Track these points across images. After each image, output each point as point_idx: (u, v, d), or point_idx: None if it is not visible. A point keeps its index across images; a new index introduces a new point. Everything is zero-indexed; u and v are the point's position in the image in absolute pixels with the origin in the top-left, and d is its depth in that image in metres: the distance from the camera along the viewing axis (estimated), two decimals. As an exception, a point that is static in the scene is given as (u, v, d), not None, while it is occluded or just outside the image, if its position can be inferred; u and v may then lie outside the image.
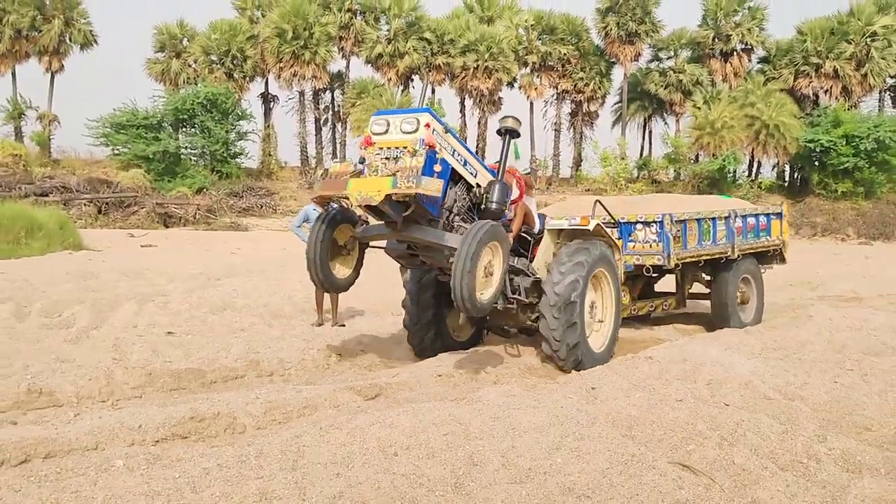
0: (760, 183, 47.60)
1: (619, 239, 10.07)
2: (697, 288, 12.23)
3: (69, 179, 39.91)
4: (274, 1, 48.34)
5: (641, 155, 53.59)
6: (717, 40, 48.86)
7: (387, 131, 7.33)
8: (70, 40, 47.62)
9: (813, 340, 9.26)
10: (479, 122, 51.37)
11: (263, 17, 48.35)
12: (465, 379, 7.81)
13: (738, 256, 11.19)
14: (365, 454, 4.77)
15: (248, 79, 49.01)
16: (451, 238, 7.40)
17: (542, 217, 9.24)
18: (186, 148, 45.18)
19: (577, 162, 53.46)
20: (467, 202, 7.84)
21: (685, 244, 10.31)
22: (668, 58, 51.51)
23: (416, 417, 5.37)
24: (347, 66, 50.64)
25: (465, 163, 7.71)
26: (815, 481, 4.66)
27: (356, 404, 6.59)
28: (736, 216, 11.20)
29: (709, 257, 10.90)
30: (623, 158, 48.91)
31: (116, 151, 43.81)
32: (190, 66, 49.14)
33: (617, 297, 8.90)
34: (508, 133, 8.07)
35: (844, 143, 43.65)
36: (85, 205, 36.19)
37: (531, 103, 52.21)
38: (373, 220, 7.97)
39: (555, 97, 53.08)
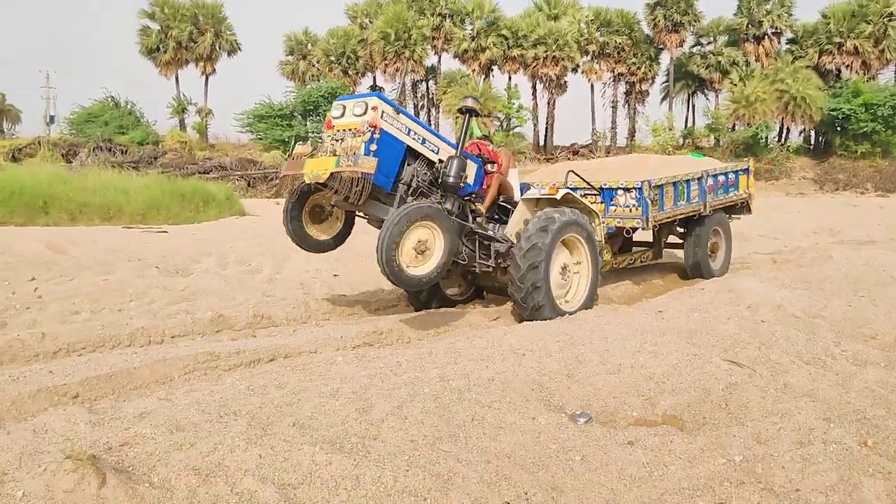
0: (789, 147, 46.39)
1: (601, 203, 9.49)
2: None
3: (224, 160, 41.71)
4: (379, 10, 48.96)
5: (686, 126, 52.64)
6: (750, 26, 47.45)
7: (343, 115, 6.79)
8: (219, 48, 49.21)
9: (832, 275, 9.45)
10: (548, 103, 51.34)
11: (371, 23, 49.04)
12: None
13: (710, 212, 10.37)
14: (501, 354, 5.53)
15: (359, 74, 50.03)
16: (386, 211, 6.80)
17: (526, 186, 8.54)
18: (313, 133, 46.52)
19: (632, 133, 53.02)
20: (429, 177, 7.13)
21: (662, 206, 9.49)
22: (709, 43, 50.37)
23: (535, 329, 6.15)
24: (439, 61, 51.10)
25: (424, 140, 7.04)
26: (831, 371, 5.17)
27: (485, 323, 7.41)
28: (708, 176, 10.34)
29: (683, 216, 10.07)
30: (671, 129, 48.22)
31: (259, 137, 45.47)
32: (313, 65, 50.37)
33: (593, 257, 7.93)
34: (469, 112, 7.28)
35: (864, 110, 42.25)
36: (237, 180, 37.88)
37: (591, 85, 51.90)
38: None
39: (612, 80, 52.46)
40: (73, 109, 47.67)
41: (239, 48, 50.10)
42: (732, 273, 10.76)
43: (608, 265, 9.42)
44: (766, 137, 45.91)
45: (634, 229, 9.49)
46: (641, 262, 10.65)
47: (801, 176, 44.09)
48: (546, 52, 47.10)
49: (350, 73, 49.15)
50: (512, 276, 7.23)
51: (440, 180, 7.08)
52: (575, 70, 50.30)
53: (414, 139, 6.93)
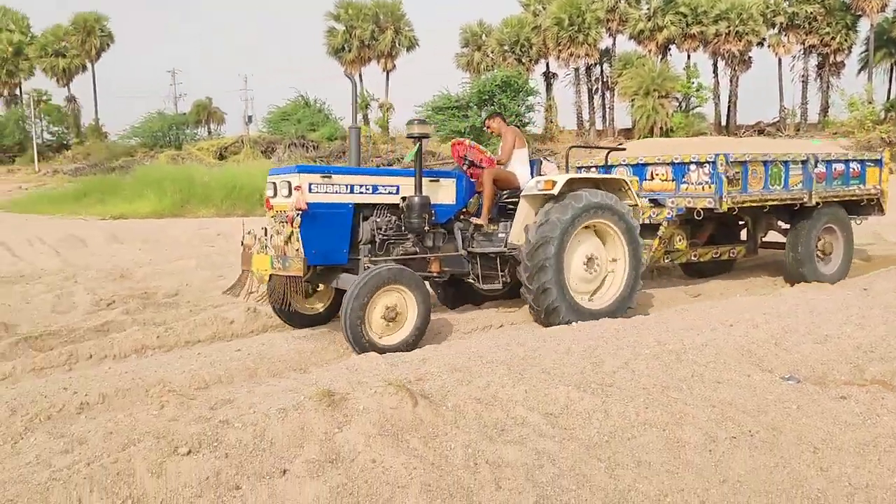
0: None
1: (672, 181, 8.60)
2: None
3: (405, 152, 44.19)
4: (552, -4, 49.35)
5: (888, 98, 48.47)
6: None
7: (275, 194, 6.27)
8: (399, 45, 51.84)
9: None
10: (730, 81, 49.42)
11: (544, 10, 49.44)
12: (762, 283, 8.77)
13: (818, 204, 8.99)
14: (710, 325, 6.07)
15: (532, 62, 50.70)
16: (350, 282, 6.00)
17: (538, 163, 7.60)
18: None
19: (825, 109, 49.62)
20: (396, 223, 6.52)
21: (745, 187, 8.38)
22: (917, 4, 46.00)
23: (740, 304, 6.64)
24: (613, 43, 50.64)
25: (375, 188, 6.41)
26: None
27: (686, 299, 7.94)
28: (817, 161, 8.98)
29: (778, 203, 8.75)
30: (870, 103, 44.63)
31: (437, 128, 47.45)
32: (488, 55, 51.69)
33: (632, 246, 7.05)
34: (419, 138, 6.44)
35: None
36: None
37: (779, 60, 49.21)
38: None
39: (801, 52, 49.42)
40: (270, 109, 52.24)
41: (417, 43, 52.47)
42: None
43: (683, 256, 8.73)
44: None
45: (709, 211, 8.32)
46: (731, 256, 9.36)
47: None
48: (728, 27, 45.32)
49: (524, 60, 49.98)
50: (521, 277, 6.68)
51: (403, 226, 6.52)
52: (760, 44, 47.96)
53: (362, 192, 6.35)
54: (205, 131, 56.81)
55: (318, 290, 6.99)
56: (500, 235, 6.99)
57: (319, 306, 7.02)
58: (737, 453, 3.61)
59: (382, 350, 5.58)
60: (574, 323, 6.43)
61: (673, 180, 8.58)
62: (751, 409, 4.15)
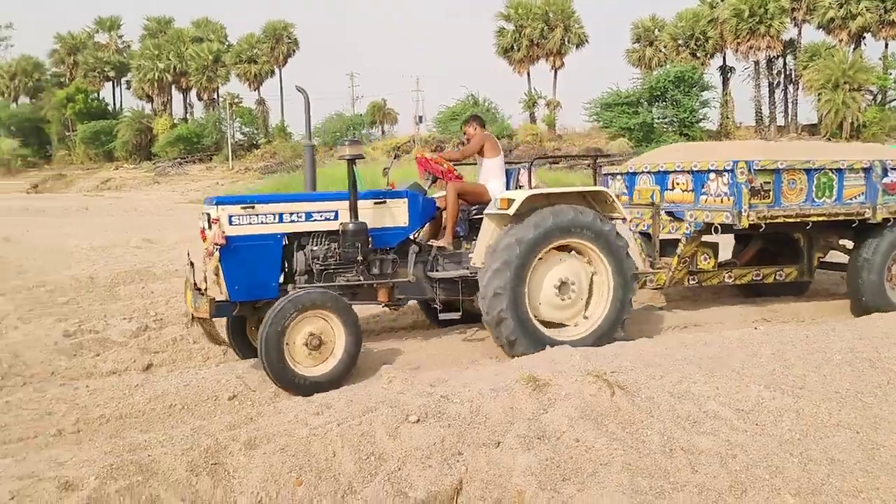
0: None
1: (691, 191, 7.55)
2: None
3: (571, 150, 44.21)
4: (732, -14, 47.26)
5: None
6: None
7: (209, 225, 5.81)
8: (568, 42, 51.70)
9: None
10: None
11: (722, 2, 47.48)
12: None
13: (887, 221, 7.53)
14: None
15: (708, 56, 48.90)
16: None
17: (514, 173, 6.90)
18: (658, 118, 46.68)
19: None
20: (335, 249, 6.05)
21: (778, 199, 7.18)
22: None
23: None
24: (799, 34, 47.77)
25: (309, 215, 6.01)
26: None
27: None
28: (886, 170, 7.50)
29: (826, 219, 7.41)
30: None
31: (605, 125, 47.05)
32: (660, 50, 50.45)
33: (616, 267, 6.24)
34: (351, 160, 5.98)
35: None
36: (585, 167, 39.80)
37: None
38: None
39: None
40: (440, 109, 54.01)
41: (586, 40, 52.06)
42: None
43: (715, 277, 7.82)
44: None
45: (730, 227, 7.27)
46: (776, 279, 8.12)
47: None
48: (935, 12, 41.37)
49: (699, 54, 48.27)
50: (479, 305, 6.11)
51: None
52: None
53: (294, 221, 5.98)
54: (379, 131, 59.72)
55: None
56: (470, 256, 6.41)
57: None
58: (936, 459, 3.71)
59: (311, 386, 5.29)
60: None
61: (692, 191, 7.59)
62: (955, 418, 4.18)
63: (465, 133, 6.95)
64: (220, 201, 5.78)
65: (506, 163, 6.93)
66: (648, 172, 8.17)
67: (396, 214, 6.31)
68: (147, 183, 51.50)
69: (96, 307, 8.49)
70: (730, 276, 7.92)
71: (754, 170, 7.03)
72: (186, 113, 64.90)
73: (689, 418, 4.12)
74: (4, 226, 17.98)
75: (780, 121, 49.29)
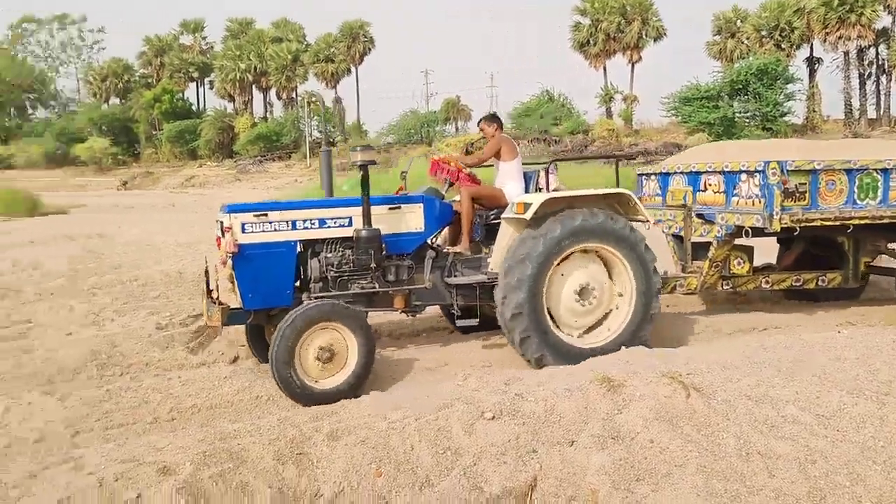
0: None
1: (722, 192, 7.31)
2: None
3: (648, 145, 43.37)
4: (821, -25, 45.43)
5: None
6: None
7: (223, 233, 5.82)
8: (646, 36, 50.79)
9: None
10: None
11: (811, -11, 45.79)
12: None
13: None
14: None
15: (794, 47, 47.10)
16: None
17: (534, 175, 6.72)
18: (740, 113, 45.31)
19: None
20: (350, 256, 6.02)
21: (815, 202, 6.91)
22: None
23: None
24: (893, 22, 45.45)
25: (323, 222, 6.01)
26: None
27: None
28: None
29: (868, 222, 7.10)
30: None
31: (684, 120, 45.96)
32: (742, 42, 48.98)
33: (639, 274, 6.12)
34: (364, 166, 5.81)
35: None
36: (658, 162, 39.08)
37: None
38: None
39: None
40: (514, 105, 53.85)
41: (664, 34, 51.06)
42: None
43: (750, 282, 7.56)
44: None
45: (761, 230, 7.00)
46: (819, 285, 7.88)
47: None
48: None
49: (783, 46, 46.61)
50: (500, 323, 6.07)
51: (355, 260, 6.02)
52: None
53: (308, 228, 5.99)
54: (453, 128, 59.97)
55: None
56: (488, 261, 6.35)
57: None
58: None
59: (322, 397, 5.26)
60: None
61: (724, 192, 7.39)
62: None
63: (481, 130, 6.88)
64: (233, 209, 5.83)
65: (524, 164, 6.81)
66: (681, 173, 7.99)
67: (412, 219, 6.27)
68: (229, 180, 53.19)
69: (185, 301, 8.91)
70: (767, 282, 7.71)
71: (787, 170, 6.80)
72: (266, 112, 66.73)
73: (766, 422, 4.09)
74: (99, 223, 18.99)
75: (872, 113, 47.15)
